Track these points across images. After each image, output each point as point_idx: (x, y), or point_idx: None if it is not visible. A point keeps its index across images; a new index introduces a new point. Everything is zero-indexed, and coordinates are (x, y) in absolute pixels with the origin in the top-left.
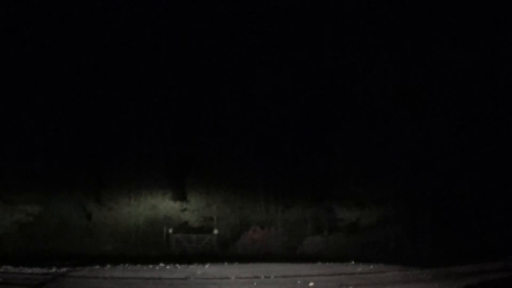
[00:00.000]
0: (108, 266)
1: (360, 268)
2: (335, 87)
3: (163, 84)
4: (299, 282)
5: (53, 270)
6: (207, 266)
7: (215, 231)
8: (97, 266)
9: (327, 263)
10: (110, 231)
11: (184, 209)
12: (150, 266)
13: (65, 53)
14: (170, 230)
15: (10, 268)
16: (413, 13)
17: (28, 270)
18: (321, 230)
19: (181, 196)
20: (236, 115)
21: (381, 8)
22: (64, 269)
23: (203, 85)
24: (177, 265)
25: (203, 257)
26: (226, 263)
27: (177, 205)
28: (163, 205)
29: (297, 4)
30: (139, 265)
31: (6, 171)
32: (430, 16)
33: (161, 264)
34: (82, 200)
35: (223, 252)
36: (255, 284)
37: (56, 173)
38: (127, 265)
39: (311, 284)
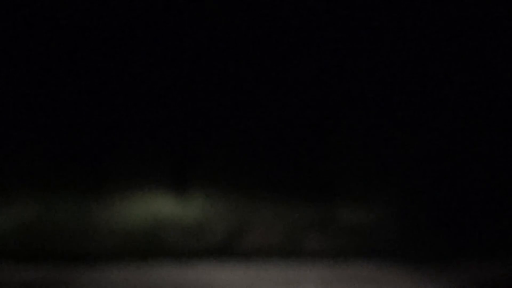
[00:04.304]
0: (108, 266)
1: (360, 268)
2: (336, 87)
3: (164, 83)
4: (299, 282)
5: (53, 270)
6: (207, 266)
7: (215, 231)
8: (97, 266)
9: (327, 263)
10: (110, 231)
11: (184, 209)
12: (150, 266)
13: (64, 51)
14: (170, 230)
15: (10, 268)
16: (412, 13)
17: (28, 270)
18: (321, 230)
19: (181, 196)
20: (237, 114)
21: (384, 6)
22: (64, 269)
23: (204, 84)
24: (177, 265)
25: (203, 257)
26: (226, 263)
27: (177, 205)
28: (163, 205)
29: (299, 6)
30: (139, 265)
31: (5, 170)
32: (429, 16)
33: (161, 264)
34: (82, 200)
35: (223, 252)
36: (255, 284)
37: (55, 172)
38: (127, 265)
39: (311, 284)
